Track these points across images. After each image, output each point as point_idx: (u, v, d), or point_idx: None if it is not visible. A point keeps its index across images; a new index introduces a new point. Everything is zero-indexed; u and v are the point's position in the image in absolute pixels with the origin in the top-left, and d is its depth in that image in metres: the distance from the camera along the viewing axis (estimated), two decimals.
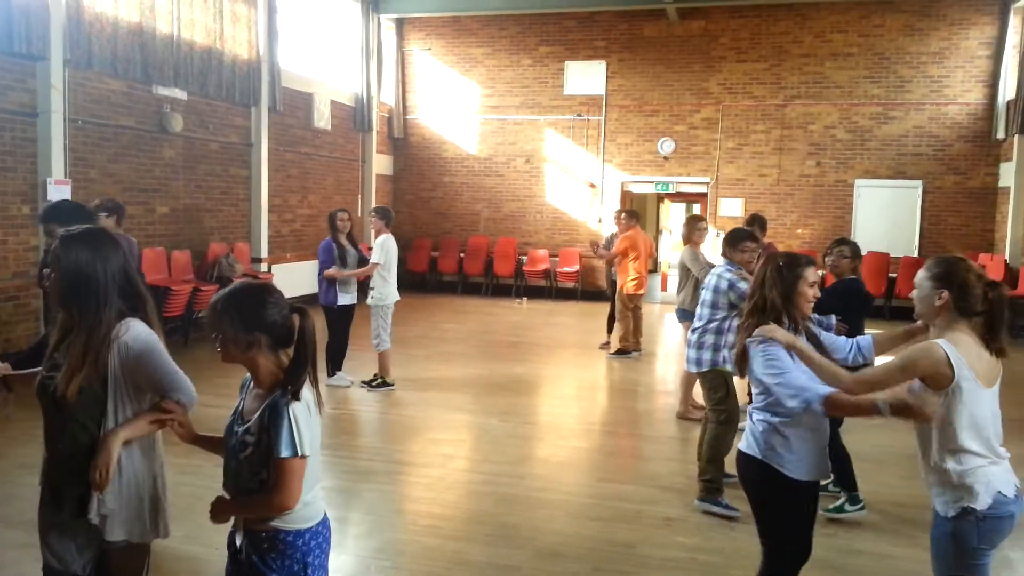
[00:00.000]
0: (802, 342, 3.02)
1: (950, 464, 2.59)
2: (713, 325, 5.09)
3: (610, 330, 10.14)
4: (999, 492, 2.58)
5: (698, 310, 5.29)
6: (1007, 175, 13.22)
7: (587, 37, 15.41)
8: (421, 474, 5.58)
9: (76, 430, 2.47)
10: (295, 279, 11.73)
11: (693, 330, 5.26)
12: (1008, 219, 12.91)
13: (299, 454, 2.19)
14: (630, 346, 9.78)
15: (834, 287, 5.08)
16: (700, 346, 5.14)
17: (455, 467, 5.79)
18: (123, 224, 6.56)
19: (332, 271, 7.59)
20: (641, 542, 4.49)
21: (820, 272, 4.40)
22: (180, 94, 10.23)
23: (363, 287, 8.15)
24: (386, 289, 7.70)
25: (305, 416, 2.23)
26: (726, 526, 4.70)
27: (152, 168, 9.98)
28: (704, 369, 5.13)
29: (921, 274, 2.81)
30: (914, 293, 2.83)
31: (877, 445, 5.97)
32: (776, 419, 3.00)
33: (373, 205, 15.39)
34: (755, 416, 3.11)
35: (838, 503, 4.86)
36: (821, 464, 3.06)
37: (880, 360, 3.08)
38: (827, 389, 2.79)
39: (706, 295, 5.18)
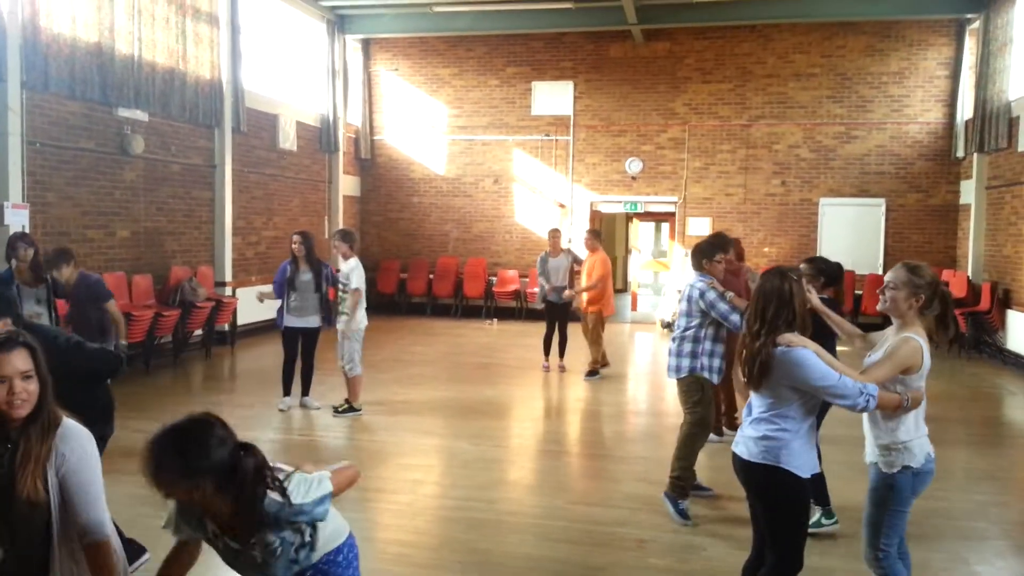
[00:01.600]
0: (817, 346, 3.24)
1: (900, 432, 3.30)
2: (689, 333, 5.19)
3: (561, 354, 10.09)
4: (928, 453, 3.35)
5: (676, 320, 5.45)
6: (967, 192, 13.47)
7: (554, 58, 15.50)
8: (390, 500, 5.45)
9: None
10: (261, 304, 11.52)
11: (673, 339, 5.36)
12: (969, 236, 13.14)
13: (319, 520, 2.30)
14: (599, 365, 9.76)
15: None
16: (679, 353, 5.24)
17: (425, 493, 5.67)
18: (71, 264, 6.38)
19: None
20: (613, 565, 4.41)
21: None
22: (141, 115, 10.06)
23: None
24: (359, 313, 7.59)
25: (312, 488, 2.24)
26: (699, 547, 4.64)
27: (112, 191, 9.78)
28: (683, 375, 5.22)
29: (897, 277, 3.31)
30: (888, 293, 3.31)
31: (839, 462, 5.96)
32: (783, 423, 3.18)
33: (340, 226, 15.27)
34: (760, 425, 3.23)
35: (814, 518, 4.83)
36: (815, 459, 3.30)
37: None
38: (875, 386, 3.14)
39: (682, 305, 5.30)
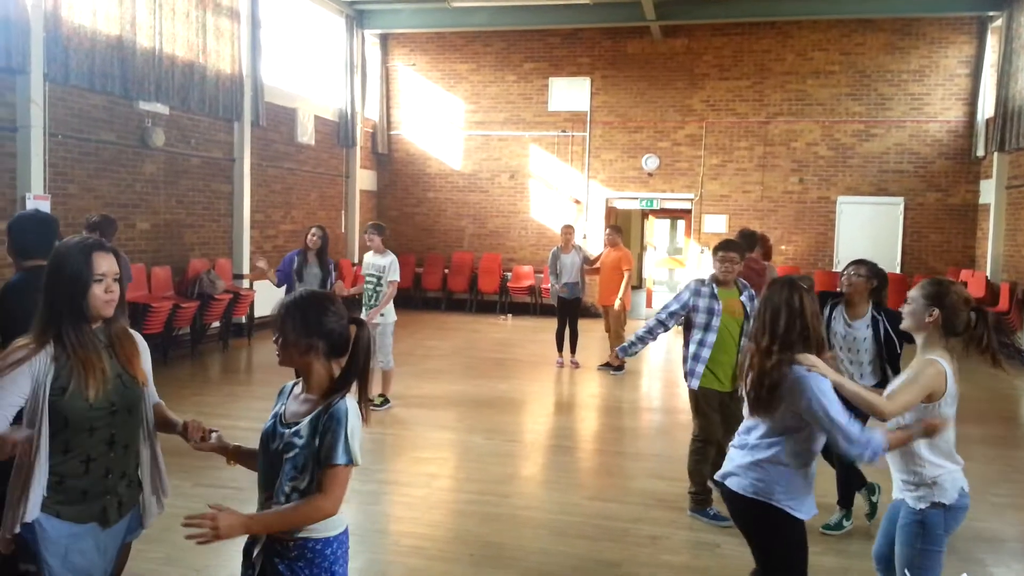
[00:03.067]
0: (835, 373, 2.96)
1: (928, 466, 3.02)
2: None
3: (573, 349, 10.11)
4: (961, 488, 3.05)
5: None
6: (987, 192, 13.35)
7: (571, 54, 15.48)
8: (405, 493, 5.49)
9: None
10: (277, 295, 11.58)
11: (686, 345, 5.17)
12: (989, 236, 13.02)
13: (353, 462, 2.25)
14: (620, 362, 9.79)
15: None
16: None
17: (439, 486, 5.71)
18: (111, 240, 6.42)
19: (339, 291, 7.58)
20: (627, 561, 4.43)
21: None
22: (162, 109, 10.15)
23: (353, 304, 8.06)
24: (390, 307, 7.67)
25: (358, 426, 2.28)
26: (713, 544, 4.65)
27: (133, 183, 9.88)
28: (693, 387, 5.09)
29: (915, 292, 3.11)
30: (906, 308, 3.13)
31: None
32: (782, 456, 2.90)
33: (358, 220, 15.34)
34: (755, 453, 2.96)
35: (835, 519, 4.84)
36: (813, 500, 3.03)
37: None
38: (881, 437, 2.84)
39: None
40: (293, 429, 2.28)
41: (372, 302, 7.60)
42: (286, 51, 13.37)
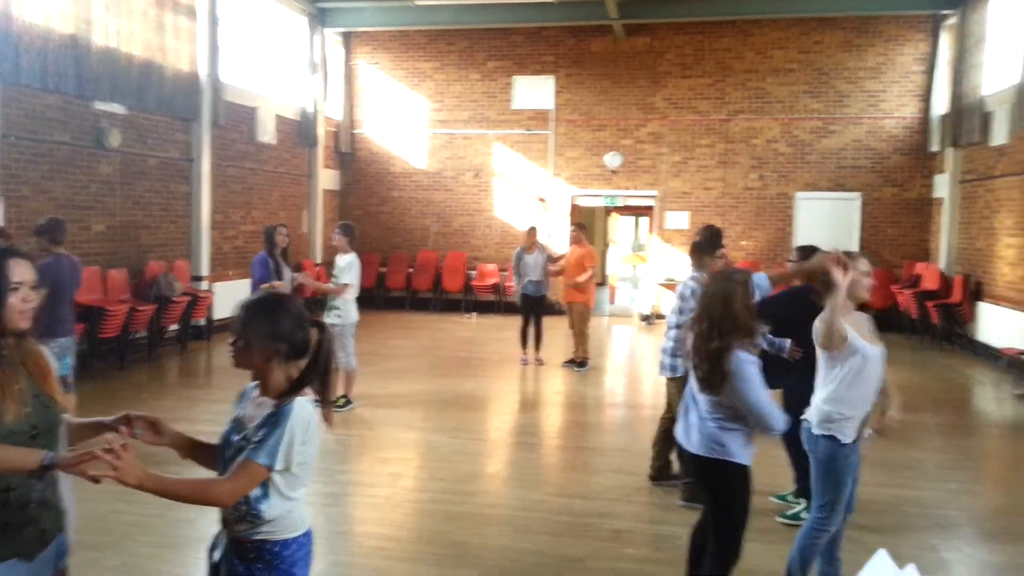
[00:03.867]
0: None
1: None
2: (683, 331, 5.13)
3: (537, 347, 10.15)
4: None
5: (669, 318, 5.39)
6: (941, 187, 13.65)
7: (535, 52, 15.51)
8: (368, 494, 5.47)
9: None
10: (237, 298, 11.44)
11: (667, 336, 5.35)
12: (943, 229, 13.31)
13: (272, 467, 2.15)
14: (584, 358, 9.88)
15: (780, 295, 4.82)
16: (673, 353, 5.24)
17: (403, 486, 5.69)
18: (62, 242, 6.28)
19: (276, 284, 7.32)
20: (590, 556, 4.45)
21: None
22: (118, 109, 9.96)
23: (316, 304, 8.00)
24: (350, 307, 7.59)
25: (301, 433, 2.19)
26: (675, 536, 4.69)
27: (88, 184, 9.68)
28: (679, 374, 5.18)
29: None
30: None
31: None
32: (731, 423, 3.34)
33: (320, 220, 15.22)
34: (707, 424, 3.38)
35: (795, 510, 4.91)
36: (752, 445, 3.46)
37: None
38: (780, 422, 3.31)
39: (676, 303, 5.29)
40: (243, 434, 2.24)
41: (334, 302, 7.55)
42: (246, 50, 13.20)
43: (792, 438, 4.70)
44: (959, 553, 4.61)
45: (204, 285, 11.56)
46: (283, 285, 7.41)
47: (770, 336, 4.72)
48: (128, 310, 9.40)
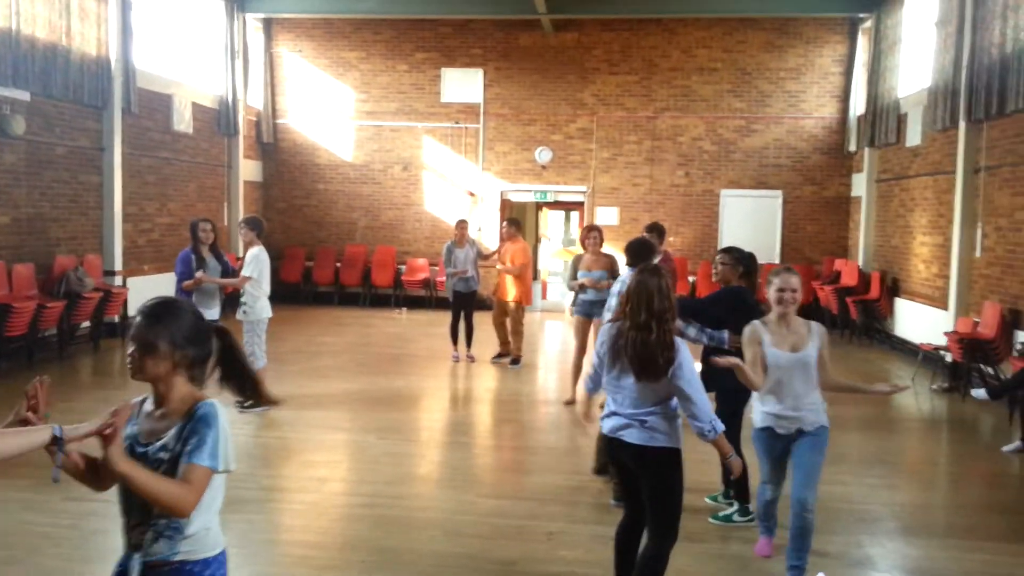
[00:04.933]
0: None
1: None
2: None
3: (469, 343, 10.05)
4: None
5: (604, 315, 5.57)
6: (859, 185, 14.11)
7: (463, 44, 15.34)
8: (294, 500, 5.26)
9: None
10: (154, 294, 10.95)
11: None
12: (860, 227, 13.76)
13: (215, 469, 2.06)
14: (516, 355, 9.82)
15: (717, 294, 5.10)
16: None
17: (330, 490, 5.50)
18: None
19: (199, 275, 7.07)
20: (522, 558, 4.38)
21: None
22: (22, 95, 9.38)
23: (231, 301, 7.71)
24: (258, 304, 7.34)
25: (228, 431, 2.13)
26: (607, 537, 4.64)
27: None
28: None
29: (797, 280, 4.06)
30: (794, 295, 4.00)
31: None
32: (669, 411, 3.48)
33: (241, 213, 14.71)
34: (650, 417, 3.45)
35: (727, 512, 4.92)
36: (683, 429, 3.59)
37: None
38: (719, 423, 3.47)
39: (615, 300, 5.45)
40: (158, 444, 2.10)
41: (242, 299, 7.32)
42: (161, 34, 12.64)
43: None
44: (883, 548, 4.72)
45: (118, 280, 11.03)
46: (201, 277, 7.08)
47: (709, 330, 4.88)
48: (36, 307, 8.88)
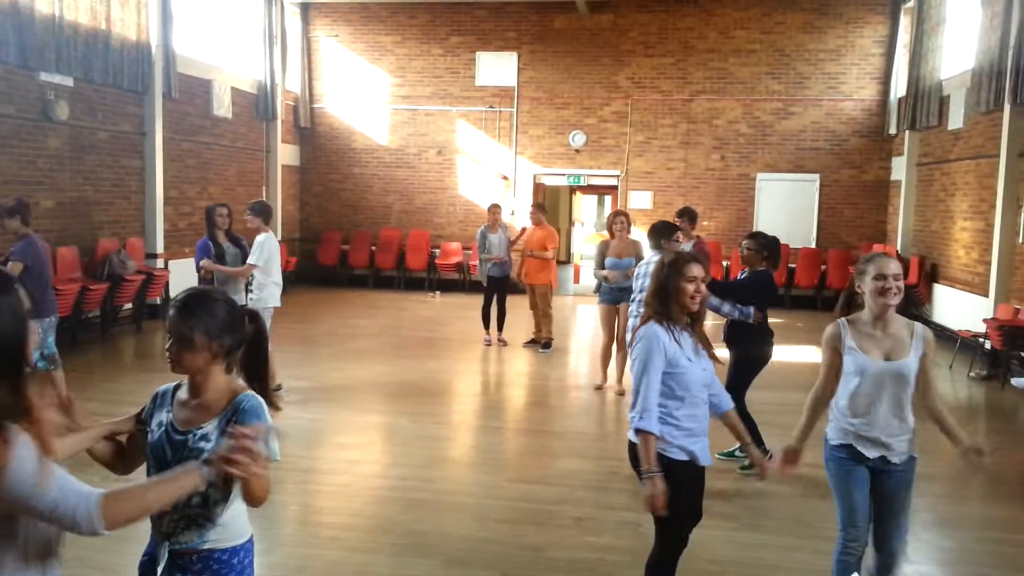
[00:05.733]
0: None
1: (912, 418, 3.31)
2: None
3: (500, 327, 10.08)
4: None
5: (634, 298, 5.90)
6: (899, 169, 13.83)
7: (498, 28, 15.30)
8: (325, 482, 5.38)
9: None
10: (194, 275, 11.19)
11: (632, 315, 5.80)
12: (900, 211, 13.50)
13: (276, 458, 2.09)
14: (549, 339, 9.90)
15: (747, 278, 5.50)
16: None
17: (361, 472, 5.61)
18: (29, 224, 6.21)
19: (206, 263, 7.04)
20: (550, 544, 4.43)
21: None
22: (66, 80, 9.59)
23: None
24: (265, 291, 7.16)
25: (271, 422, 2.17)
26: (635, 523, 4.69)
27: (35, 159, 9.33)
28: None
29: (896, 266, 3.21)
30: (899, 284, 3.18)
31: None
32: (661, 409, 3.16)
33: (280, 197, 14.92)
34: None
35: (733, 449, 5.43)
36: (699, 445, 3.25)
37: None
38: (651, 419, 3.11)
39: (640, 282, 5.68)
40: (198, 433, 2.14)
41: (251, 286, 7.25)
42: (201, 20, 12.81)
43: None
44: (918, 541, 4.66)
45: (159, 263, 11.28)
46: (206, 265, 7.03)
47: (739, 307, 5.43)
48: (79, 289, 9.13)
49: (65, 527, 1.70)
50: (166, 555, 2.15)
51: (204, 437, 2.13)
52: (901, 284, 3.17)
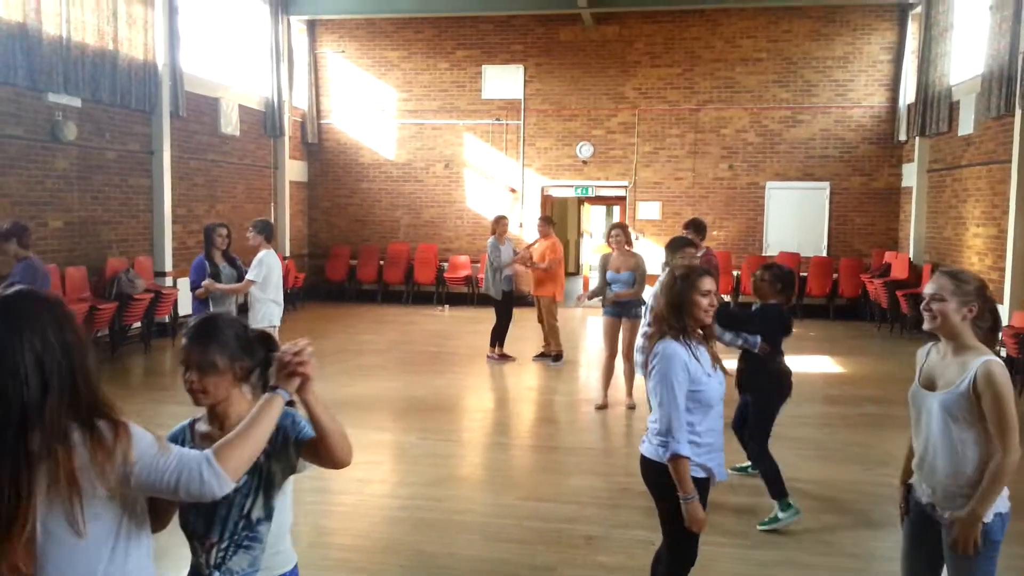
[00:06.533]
0: None
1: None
2: None
3: (501, 342, 9.95)
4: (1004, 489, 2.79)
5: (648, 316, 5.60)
6: (909, 175, 13.73)
7: (504, 41, 15.32)
8: (333, 501, 5.33)
9: None
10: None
11: (643, 334, 5.49)
12: (911, 218, 13.39)
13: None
14: (558, 351, 9.82)
15: (756, 310, 5.26)
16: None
17: (370, 492, 5.55)
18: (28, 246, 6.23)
19: (206, 283, 6.89)
20: (561, 564, 4.37)
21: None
22: (74, 101, 9.64)
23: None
24: (264, 308, 7.07)
25: None
26: (647, 542, 4.61)
27: (43, 179, 9.37)
28: None
29: (948, 285, 2.78)
30: (936, 305, 2.79)
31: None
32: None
33: (288, 213, 14.96)
34: (652, 423, 3.24)
35: (771, 515, 4.83)
36: (713, 459, 3.22)
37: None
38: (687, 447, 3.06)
39: (651, 300, 5.47)
40: None
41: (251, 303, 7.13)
42: (207, 39, 12.88)
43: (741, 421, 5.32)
44: None
45: (168, 281, 11.30)
46: (208, 285, 6.88)
47: (745, 335, 5.12)
48: (88, 309, 9.14)
49: (193, 493, 1.76)
50: None
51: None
52: (949, 307, 2.77)
